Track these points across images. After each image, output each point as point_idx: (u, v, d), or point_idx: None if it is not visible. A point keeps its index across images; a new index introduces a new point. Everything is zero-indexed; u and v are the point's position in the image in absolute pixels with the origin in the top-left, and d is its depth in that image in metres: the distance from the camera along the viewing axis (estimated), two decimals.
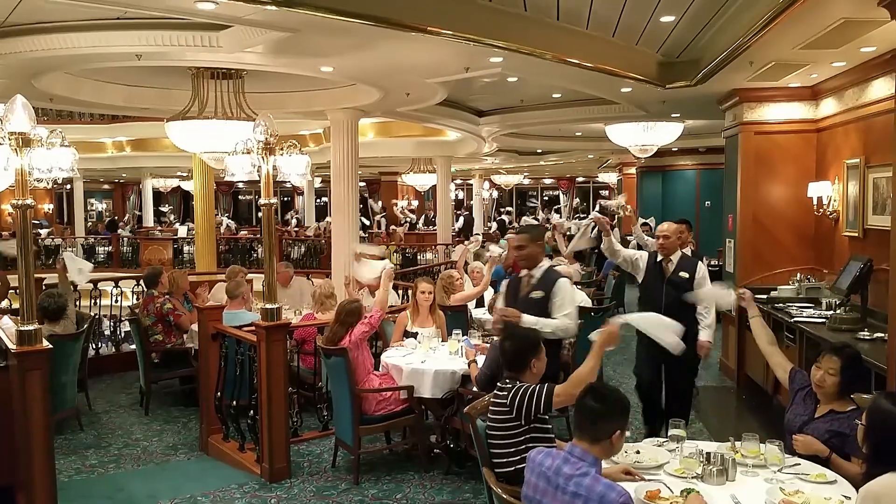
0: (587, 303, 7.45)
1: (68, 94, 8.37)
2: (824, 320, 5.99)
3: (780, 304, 6.85)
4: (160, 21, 5.90)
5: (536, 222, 20.49)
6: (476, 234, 17.78)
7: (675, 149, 14.85)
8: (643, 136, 11.16)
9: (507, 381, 3.56)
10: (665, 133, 11.17)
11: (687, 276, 5.40)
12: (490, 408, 3.58)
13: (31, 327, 4.44)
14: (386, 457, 5.71)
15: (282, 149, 5.68)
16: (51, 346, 4.55)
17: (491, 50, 6.01)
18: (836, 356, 3.46)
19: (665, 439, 3.54)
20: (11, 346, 4.51)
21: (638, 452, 3.35)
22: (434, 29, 5.34)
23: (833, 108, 7.24)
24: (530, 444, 3.35)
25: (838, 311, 5.96)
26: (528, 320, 4.37)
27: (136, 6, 5.17)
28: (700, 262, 5.66)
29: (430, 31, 5.34)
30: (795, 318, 6.20)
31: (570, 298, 4.58)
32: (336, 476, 5.32)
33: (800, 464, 3.24)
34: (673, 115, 10.34)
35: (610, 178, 25.05)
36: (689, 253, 6.07)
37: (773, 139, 7.76)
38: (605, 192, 30.44)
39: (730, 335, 8.24)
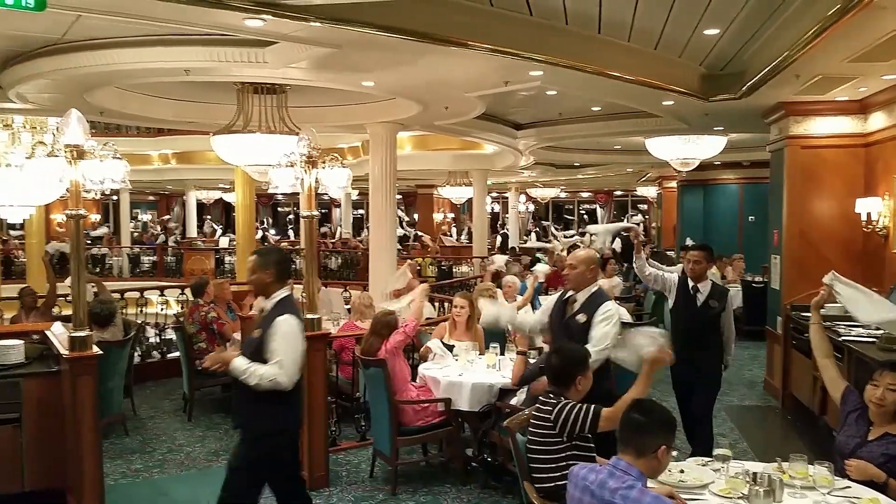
0: (627, 318, 7.38)
1: (118, 108, 8.59)
2: (874, 340, 5.78)
3: (828, 323, 6.67)
4: (208, 37, 6.03)
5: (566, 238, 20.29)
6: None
7: (718, 162, 14.64)
8: (684, 150, 11.04)
9: (552, 395, 3.53)
10: (708, 146, 11.03)
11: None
12: (532, 421, 3.55)
13: (82, 333, 4.57)
14: (423, 469, 5.72)
15: (324, 162, 5.77)
16: (101, 352, 4.68)
17: (531, 63, 6.03)
18: None
19: (710, 459, 3.48)
20: (64, 351, 4.64)
21: (682, 472, 3.30)
22: (474, 43, 5.38)
23: (883, 122, 7.10)
24: (571, 462, 3.31)
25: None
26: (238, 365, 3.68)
27: (187, 23, 5.31)
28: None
29: (470, 46, 5.37)
30: (844, 338, 6.00)
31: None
32: (374, 486, 5.35)
33: (850, 487, 3.16)
34: (716, 129, 10.22)
35: (649, 191, 24.82)
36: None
37: (819, 153, 7.63)
38: (643, 206, 30.19)
39: (775, 353, 8.08)
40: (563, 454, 3.42)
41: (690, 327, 5.38)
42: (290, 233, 29.87)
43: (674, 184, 18.55)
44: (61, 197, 9.07)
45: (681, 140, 10.86)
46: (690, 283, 5.47)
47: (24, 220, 11.42)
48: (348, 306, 9.02)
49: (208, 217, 29.59)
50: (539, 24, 5.73)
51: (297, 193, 5.52)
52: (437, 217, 25.01)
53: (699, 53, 6.75)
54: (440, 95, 7.94)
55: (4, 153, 8.62)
